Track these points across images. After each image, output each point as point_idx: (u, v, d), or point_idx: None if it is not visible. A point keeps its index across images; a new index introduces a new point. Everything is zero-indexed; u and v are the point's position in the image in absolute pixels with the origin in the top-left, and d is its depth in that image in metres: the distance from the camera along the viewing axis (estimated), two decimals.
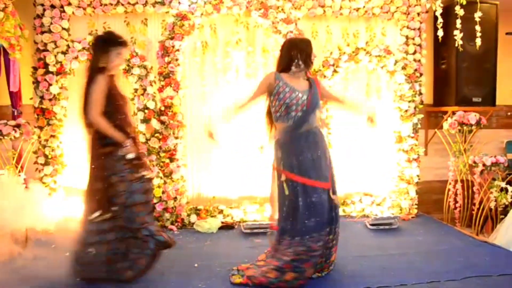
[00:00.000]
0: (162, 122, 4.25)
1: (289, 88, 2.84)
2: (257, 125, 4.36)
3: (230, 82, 4.48)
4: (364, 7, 4.53)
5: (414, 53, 4.63)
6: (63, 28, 4.18)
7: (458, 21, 4.12)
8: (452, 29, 4.28)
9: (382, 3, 4.56)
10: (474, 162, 4.27)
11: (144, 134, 4.25)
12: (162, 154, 4.26)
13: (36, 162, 4.19)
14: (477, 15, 4.14)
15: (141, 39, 4.37)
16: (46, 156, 4.19)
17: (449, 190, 4.60)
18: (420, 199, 4.73)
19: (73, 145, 4.29)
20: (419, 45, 4.65)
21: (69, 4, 4.17)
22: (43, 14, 4.16)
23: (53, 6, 4.17)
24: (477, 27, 4.13)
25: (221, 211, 4.43)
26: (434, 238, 3.87)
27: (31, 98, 4.22)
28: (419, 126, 4.66)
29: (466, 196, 4.46)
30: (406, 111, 4.60)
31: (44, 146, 4.18)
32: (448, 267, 3.11)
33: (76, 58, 4.20)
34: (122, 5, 4.24)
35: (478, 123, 4.32)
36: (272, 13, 4.32)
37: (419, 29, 4.64)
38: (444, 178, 4.75)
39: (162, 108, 4.25)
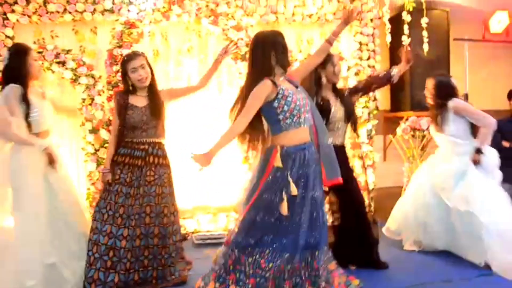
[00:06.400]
0: None
1: (291, 91, 2.43)
2: (210, 131, 4.32)
3: None
4: (317, 13, 4.53)
5: (368, 58, 4.64)
6: (7, 36, 4.05)
7: (406, 27, 4.17)
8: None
9: (335, 9, 4.56)
10: None
11: (93, 144, 4.14)
12: None
13: None
14: (424, 20, 4.21)
15: (91, 48, 4.27)
16: None
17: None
18: (378, 205, 4.69)
19: None
20: (373, 50, 4.66)
21: (13, 11, 4.05)
22: None
23: None
24: (424, 33, 4.20)
25: None
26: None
27: None
28: (373, 132, 4.65)
29: None
30: (360, 117, 4.58)
31: None
32: (403, 273, 3.16)
33: None
34: (70, 13, 4.13)
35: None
36: (222, 20, 4.28)
37: (372, 35, 4.65)
38: (401, 184, 4.74)
39: (111, 118, 4.15)
